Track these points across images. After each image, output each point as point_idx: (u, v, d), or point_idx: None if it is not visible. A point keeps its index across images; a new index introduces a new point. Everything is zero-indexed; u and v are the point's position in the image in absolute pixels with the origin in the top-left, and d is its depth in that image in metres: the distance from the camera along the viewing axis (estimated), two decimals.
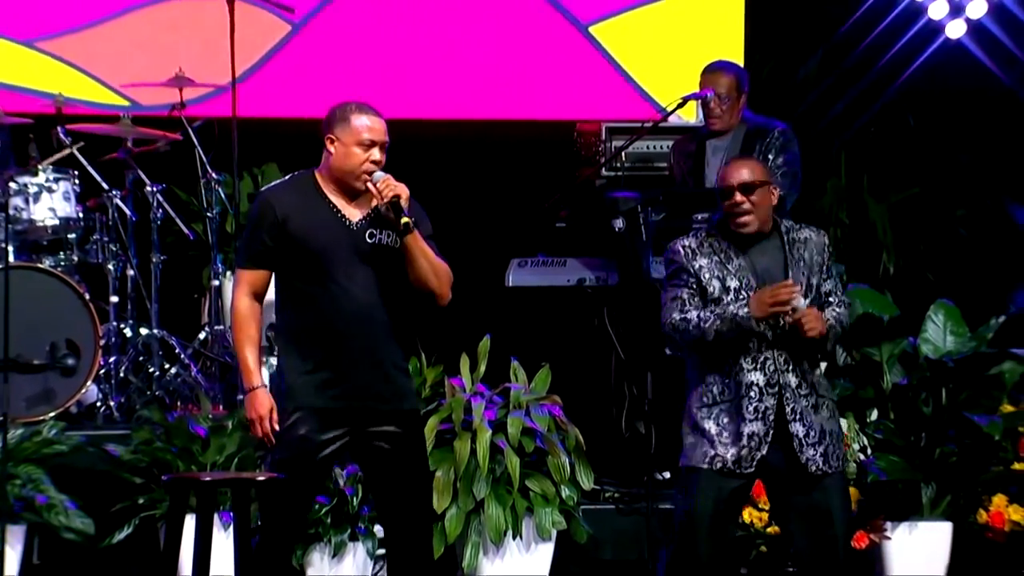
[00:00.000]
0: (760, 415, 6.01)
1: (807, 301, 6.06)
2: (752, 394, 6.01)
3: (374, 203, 5.88)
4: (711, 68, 8.19)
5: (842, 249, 9.43)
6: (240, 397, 6.24)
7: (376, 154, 5.89)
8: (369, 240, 5.87)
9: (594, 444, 7.80)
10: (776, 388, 6.02)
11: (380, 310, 5.87)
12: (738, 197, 6.05)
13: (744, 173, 6.09)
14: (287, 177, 5.95)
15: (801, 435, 6.03)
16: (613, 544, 7.77)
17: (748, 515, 7.54)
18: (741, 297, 6.02)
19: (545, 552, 7.58)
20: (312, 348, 5.81)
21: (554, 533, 7.57)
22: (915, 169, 10.06)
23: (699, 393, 6.08)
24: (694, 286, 6.05)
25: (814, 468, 6.02)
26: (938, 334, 7.94)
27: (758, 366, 6.03)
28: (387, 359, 5.90)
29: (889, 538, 7.69)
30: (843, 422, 7.82)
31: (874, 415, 7.89)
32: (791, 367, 6.05)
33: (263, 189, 5.94)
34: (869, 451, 7.75)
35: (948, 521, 7.73)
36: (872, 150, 10.11)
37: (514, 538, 7.52)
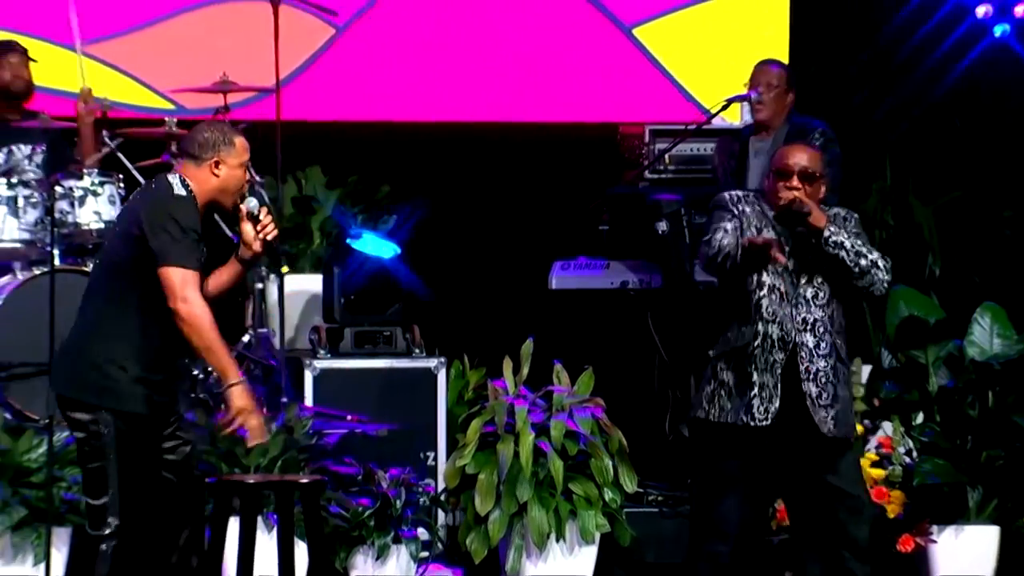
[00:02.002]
0: (768, 366, 6.02)
1: None
2: (765, 344, 6.03)
3: (251, 231, 5.91)
4: (762, 61, 8.22)
5: (887, 252, 9.37)
6: (223, 392, 6.13)
7: (247, 173, 5.99)
8: (202, 252, 5.95)
9: (637, 447, 7.79)
10: (790, 345, 6.04)
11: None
12: (794, 182, 6.10)
13: (807, 159, 6.15)
14: (179, 184, 5.88)
15: (814, 395, 6.04)
16: (657, 547, 7.76)
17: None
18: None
19: (588, 555, 7.58)
20: (150, 358, 5.84)
21: (597, 536, 7.56)
22: (961, 171, 10.01)
23: (720, 342, 6.11)
24: (737, 225, 6.09)
25: (826, 429, 6.03)
26: (984, 336, 7.90)
27: (774, 319, 6.05)
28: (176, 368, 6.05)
29: (935, 542, 7.65)
30: (888, 425, 7.80)
31: (920, 418, 7.85)
32: (809, 327, 6.05)
33: (185, 195, 5.86)
34: (915, 454, 7.71)
35: (995, 525, 7.68)
36: (918, 152, 10.06)
37: (557, 541, 7.51)
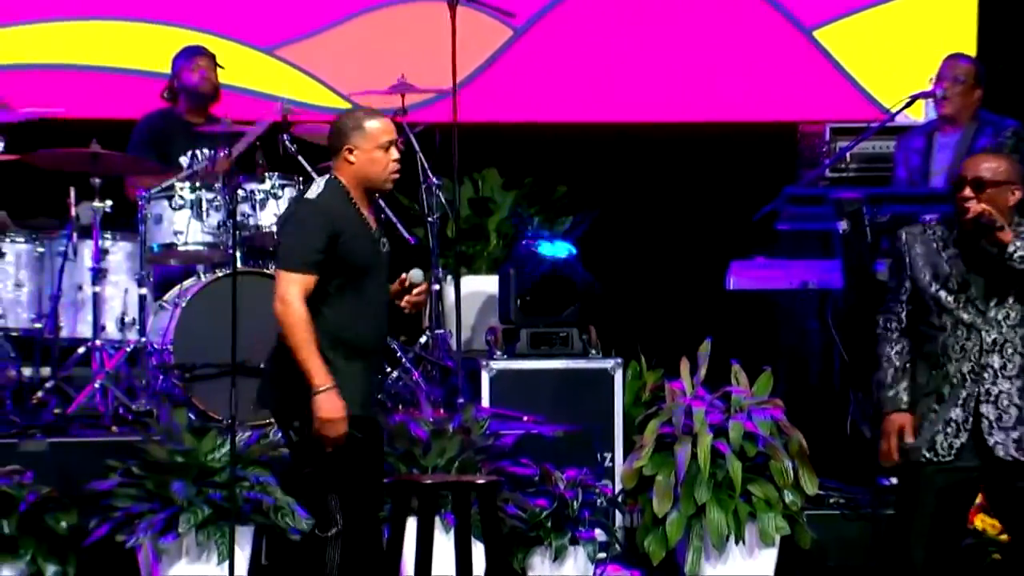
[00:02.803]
0: (960, 401, 5.87)
1: None
2: (955, 381, 5.89)
3: (404, 299, 6.04)
4: (951, 55, 8.09)
5: None
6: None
7: (395, 152, 5.98)
8: (383, 249, 6.02)
9: (818, 448, 7.68)
10: (980, 374, 5.88)
11: (386, 316, 6.04)
12: (967, 192, 5.92)
13: (982, 168, 5.95)
14: (323, 186, 5.94)
15: (992, 417, 5.87)
16: (838, 550, 7.66)
17: (980, 521, 7.36)
18: (950, 286, 5.91)
19: (768, 557, 7.49)
20: (340, 355, 5.87)
21: (777, 539, 7.47)
22: None
23: (913, 391, 5.98)
24: (903, 278, 5.97)
25: (1002, 453, 5.85)
26: None
27: (963, 353, 5.89)
28: (384, 366, 6.09)
29: None
30: None
31: None
32: (998, 348, 5.88)
33: (313, 198, 5.92)
34: None
35: None
36: None
37: (736, 543, 7.44)
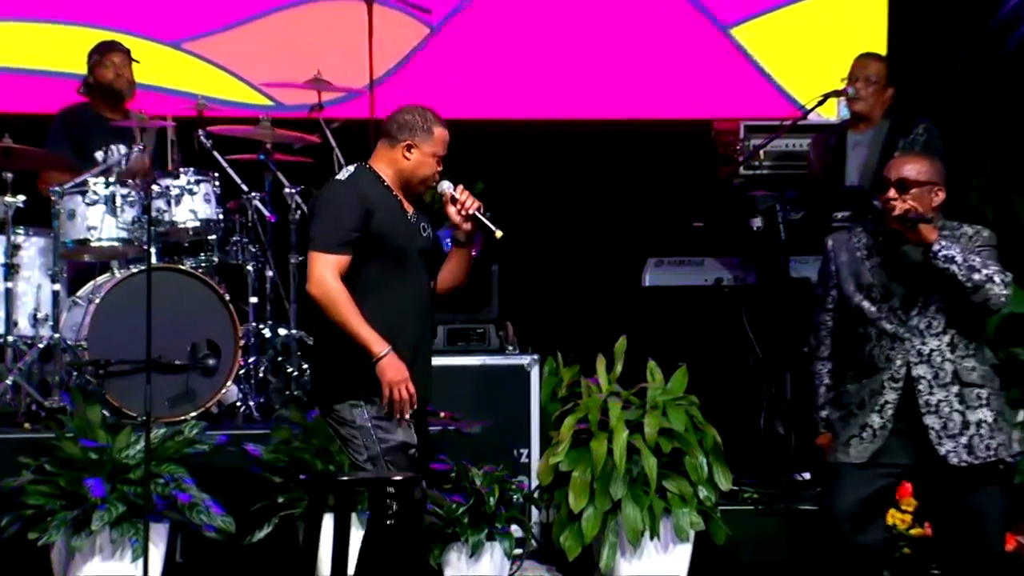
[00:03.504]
0: (878, 408, 5.94)
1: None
2: (875, 387, 5.94)
3: (455, 211, 5.91)
4: (862, 55, 8.17)
5: None
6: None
7: (440, 166, 6.01)
8: (423, 234, 5.98)
9: (732, 444, 7.74)
10: (900, 383, 5.94)
11: (431, 305, 5.98)
12: (891, 193, 5.99)
13: (905, 170, 6.02)
14: (353, 170, 5.95)
15: (937, 428, 5.93)
16: (753, 545, 7.70)
17: (891, 516, 7.44)
18: (873, 295, 5.96)
19: (683, 553, 7.53)
20: (388, 340, 5.83)
21: (692, 534, 7.52)
22: None
23: (840, 393, 6.07)
24: (830, 287, 6.02)
25: (956, 460, 5.92)
26: None
27: (888, 363, 5.95)
28: (430, 355, 6.02)
29: None
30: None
31: (1021, 416, 7.74)
32: (924, 358, 5.94)
33: (344, 179, 5.92)
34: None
35: None
36: (1020, 147, 9.92)
37: (651, 539, 7.48)
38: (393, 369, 5.79)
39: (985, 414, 5.96)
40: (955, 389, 5.96)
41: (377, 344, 5.78)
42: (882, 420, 5.94)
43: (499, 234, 5.91)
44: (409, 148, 5.93)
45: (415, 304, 5.91)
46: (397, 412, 5.82)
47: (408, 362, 5.86)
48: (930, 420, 5.93)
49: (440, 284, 6.03)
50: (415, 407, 5.85)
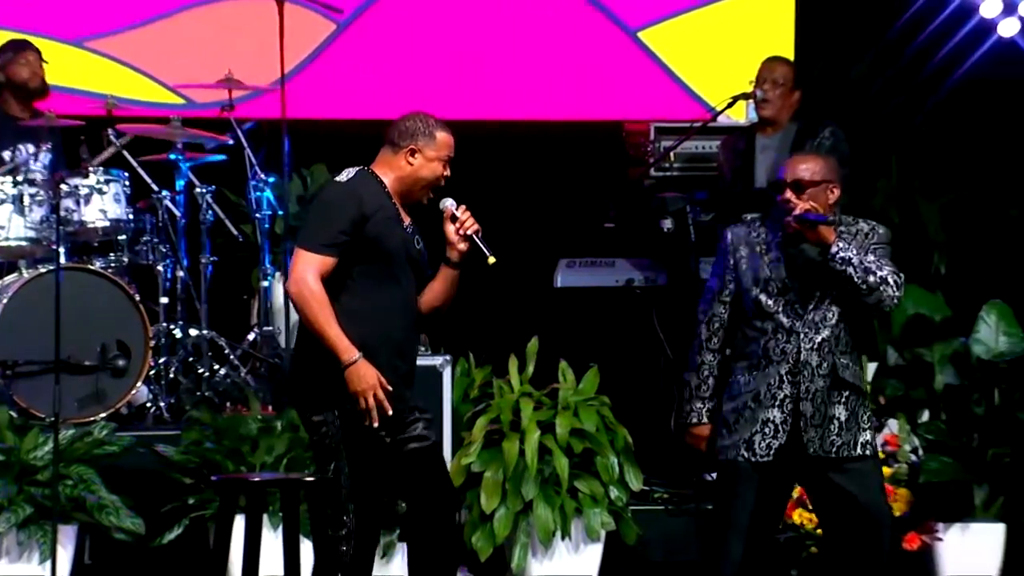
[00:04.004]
0: (778, 402, 6.00)
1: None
2: (773, 381, 6.01)
3: (453, 230, 5.88)
4: (769, 58, 8.23)
5: (893, 250, 9.37)
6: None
7: (448, 170, 5.96)
8: (417, 247, 5.94)
9: (643, 445, 7.78)
10: (798, 374, 6.01)
11: (417, 315, 5.94)
12: (788, 194, 6.04)
13: (800, 170, 6.07)
14: (353, 173, 5.90)
15: (808, 414, 6.02)
16: (662, 545, 7.76)
17: (798, 516, 7.51)
18: (770, 289, 6.03)
19: (594, 553, 7.57)
20: (365, 345, 5.80)
21: (603, 534, 7.56)
22: (967, 169, 10.00)
23: (729, 384, 6.08)
24: (728, 278, 6.07)
25: (812, 449, 6.00)
26: (990, 335, 7.89)
27: (783, 356, 6.02)
28: (415, 363, 5.96)
29: (941, 540, 7.64)
30: (893, 423, 7.79)
31: (925, 416, 7.85)
32: (815, 347, 6.02)
33: (344, 180, 5.86)
34: (921, 452, 7.70)
35: (1001, 522, 7.67)
36: (924, 150, 10.06)
37: (563, 539, 7.51)
38: (359, 377, 5.72)
39: (840, 411, 6.04)
40: (828, 382, 6.05)
41: (346, 352, 5.72)
42: (783, 414, 6.00)
43: (492, 260, 5.88)
44: (412, 153, 5.88)
45: (403, 311, 5.85)
46: (366, 420, 5.77)
47: (393, 367, 5.81)
48: (804, 406, 6.02)
49: (424, 304, 5.95)
50: (388, 413, 5.78)
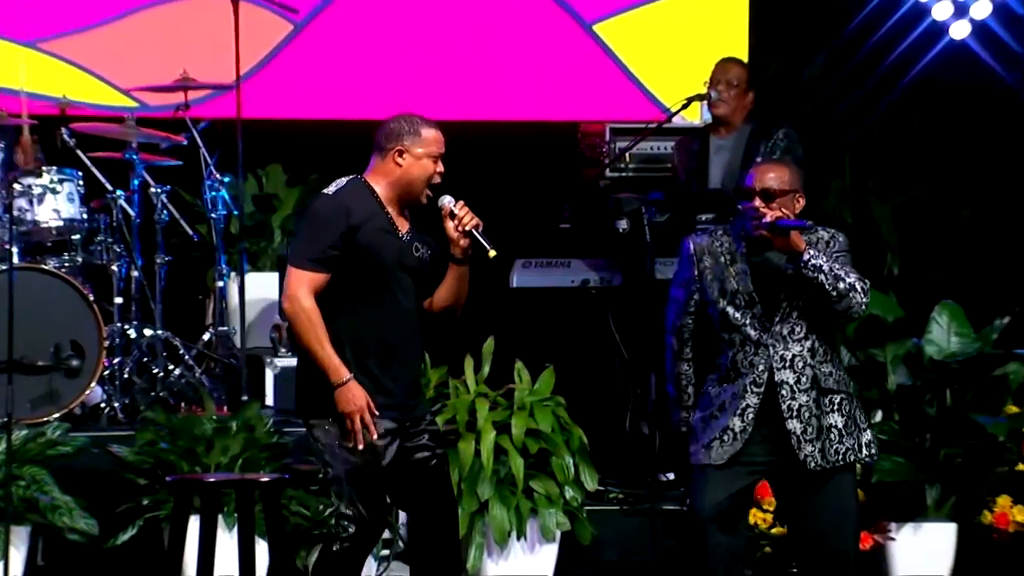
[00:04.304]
0: (739, 412, 6.02)
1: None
2: (736, 390, 6.03)
3: (452, 226, 5.86)
4: (723, 60, 8.25)
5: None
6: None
7: (441, 166, 5.92)
8: (415, 254, 5.90)
9: (598, 445, 7.80)
10: (762, 387, 6.03)
11: (418, 324, 5.92)
12: (757, 202, 6.05)
13: (768, 179, 6.08)
14: (344, 183, 5.86)
15: (798, 432, 6.03)
16: (618, 545, 7.77)
17: (753, 516, 7.54)
18: (738, 302, 6.04)
19: (549, 553, 7.58)
20: (364, 358, 5.79)
21: (558, 534, 7.57)
22: (919, 170, 10.06)
23: (701, 396, 6.14)
24: (692, 289, 6.08)
25: (812, 464, 6.03)
26: (942, 335, 7.94)
27: (751, 368, 6.04)
28: (419, 373, 5.97)
29: (894, 539, 7.68)
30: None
31: (878, 416, 7.88)
32: (788, 364, 6.04)
33: (332, 192, 5.82)
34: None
35: (953, 522, 7.72)
36: (877, 151, 10.11)
37: (518, 539, 7.52)
38: (347, 399, 5.72)
39: (836, 419, 6.07)
40: (813, 394, 6.07)
41: (335, 372, 5.71)
42: (743, 424, 6.02)
43: (492, 253, 5.85)
44: (400, 154, 5.84)
45: (401, 320, 5.82)
46: (350, 441, 5.75)
47: (392, 378, 5.80)
48: (792, 424, 6.03)
49: (436, 302, 5.94)
50: (374, 436, 5.74)
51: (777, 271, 6.06)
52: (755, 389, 6.02)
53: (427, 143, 5.86)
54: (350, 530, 5.81)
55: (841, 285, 6.01)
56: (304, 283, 5.73)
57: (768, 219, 6.01)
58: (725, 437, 6.02)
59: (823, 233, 6.15)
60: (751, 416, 6.01)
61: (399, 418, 5.84)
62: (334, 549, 5.80)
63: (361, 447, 5.74)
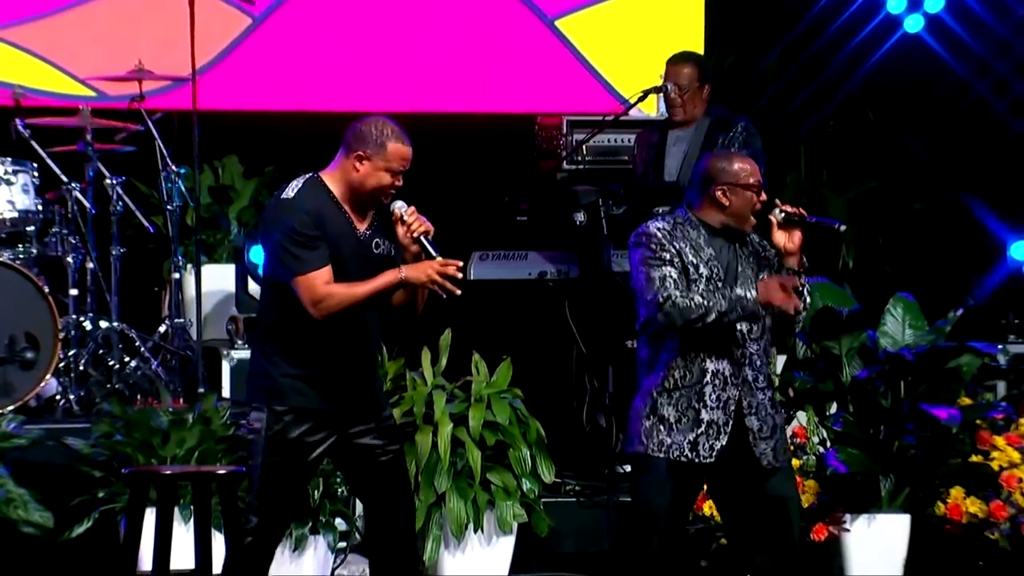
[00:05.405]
0: (722, 404, 6.01)
1: None
2: (716, 382, 6.02)
3: (403, 232, 5.89)
4: (673, 59, 8.25)
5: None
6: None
7: (398, 181, 5.93)
8: (375, 251, 5.91)
9: (555, 437, 7.81)
10: (740, 380, 6.03)
11: (375, 320, 5.92)
12: (764, 196, 6.11)
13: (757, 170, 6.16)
14: (300, 185, 5.86)
15: (755, 429, 6.05)
16: (574, 537, 7.79)
17: (708, 508, 7.56)
18: (711, 287, 6.03)
19: (506, 545, 7.60)
20: (310, 351, 5.80)
21: (515, 526, 7.58)
22: (873, 163, 10.11)
23: (659, 377, 6.05)
24: (678, 265, 6.03)
25: (765, 462, 6.05)
26: (897, 327, 7.98)
27: (725, 355, 6.03)
28: (373, 368, 5.97)
29: (848, 530, 7.72)
30: (802, 415, 7.87)
31: (833, 408, 7.92)
32: (750, 361, 6.06)
33: (291, 197, 5.82)
34: (828, 444, 7.78)
35: (906, 513, 7.77)
36: (831, 144, 10.15)
37: (475, 531, 7.53)
38: (416, 277, 5.80)
39: (779, 419, 6.14)
40: (768, 393, 6.10)
41: (389, 277, 5.78)
42: (726, 417, 6.02)
43: (437, 260, 5.87)
44: (360, 159, 5.84)
45: (355, 321, 5.83)
46: (444, 293, 5.83)
47: (350, 376, 5.82)
48: (750, 421, 6.04)
49: (395, 299, 5.97)
50: (460, 272, 5.84)
51: (742, 264, 6.08)
52: (734, 380, 6.01)
53: (389, 157, 5.87)
54: (253, 521, 5.82)
55: (803, 315, 6.11)
56: (317, 284, 5.75)
57: (791, 210, 6.07)
58: (711, 431, 5.98)
59: (772, 251, 6.16)
60: (732, 409, 6.00)
61: (340, 414, 5.84)
62: (247, 540, 5.82)
63: (458, 293, 5.85)
